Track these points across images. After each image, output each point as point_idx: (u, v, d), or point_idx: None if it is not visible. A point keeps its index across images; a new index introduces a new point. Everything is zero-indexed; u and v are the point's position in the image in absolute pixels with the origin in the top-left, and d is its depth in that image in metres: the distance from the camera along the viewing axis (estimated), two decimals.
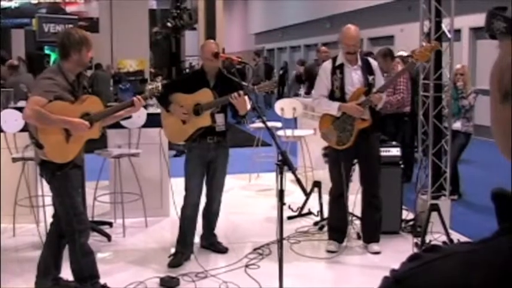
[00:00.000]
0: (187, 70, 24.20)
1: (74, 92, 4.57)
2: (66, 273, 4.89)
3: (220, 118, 5.57)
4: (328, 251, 6.00)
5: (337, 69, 5.83)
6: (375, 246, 5.97)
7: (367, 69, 5.84)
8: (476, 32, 14.97)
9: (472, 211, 7.66)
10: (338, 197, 5.93)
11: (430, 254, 0.88)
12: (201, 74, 5.65)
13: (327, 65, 5.96)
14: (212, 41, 6.05)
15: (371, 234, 6.06)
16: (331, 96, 5.83)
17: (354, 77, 5.80)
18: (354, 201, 6.08)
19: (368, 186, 5.96)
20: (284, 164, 3.98)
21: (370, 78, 5.79)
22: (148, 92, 5.08)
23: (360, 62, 5.86)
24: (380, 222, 6.04)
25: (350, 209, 6.14)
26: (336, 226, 6.10)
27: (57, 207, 4.69)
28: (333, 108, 5.79)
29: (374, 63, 6.04)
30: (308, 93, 9.40)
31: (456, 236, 6.17)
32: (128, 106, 4.88)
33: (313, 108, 7.95)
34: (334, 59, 5.94)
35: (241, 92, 5.24)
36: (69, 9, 22.15)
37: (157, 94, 5.19)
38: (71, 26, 17.25)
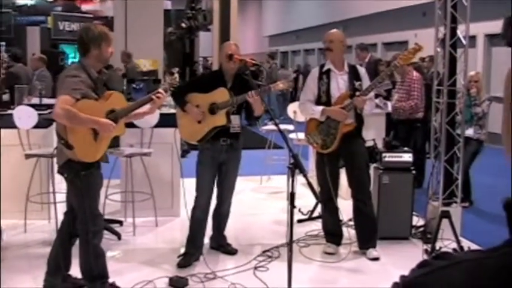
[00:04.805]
0: (200, 68, 24.20)
1: (96, 89, 4.52)
2: (75, 270, 4.90)
3: (235, 120, 5.57)
4: (327, 253, 6.03)
5: (324, 75, 5.88)
6: (373, 252, 5.95)
7: (354, 76, 5.87)
8: (491, 38, 14.90)
9: (483, 219, 7.63)
10: (327, 202, 5.95)
11: (439, 262, 0.88)
12: (219, 74, 5.66)
13: (315, 71, 6.03)
14: (232, 42, 6.06)
15: (364, 240, 6.03)
16: (318, 101, 5.87)
17: (340, 82, 5.84)
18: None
19: (355, 192, 5.98)
20: (296, 167, 3.98)
21: (357, 83, 5.82)
22: (168, 85, 5.07)
23: (346, 68, 5.90)
24: (374, 228, 6.03)
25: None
26: (329, 230, 6.14)
27: (75, 206, 4.63)
28: (317, 112, 5.82)
29: (362, 70, 6.11)
30: None
31: (467, 244, 6.14)
32: (149, 101, 4.83)
33: None
34: (322, 65, 5.99)
35: (257, 92, 5.26)
36: (84, 7, 22.26)
37: (176, 86, 5.19)
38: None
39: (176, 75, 5.18)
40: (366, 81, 5.90)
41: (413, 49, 5.83)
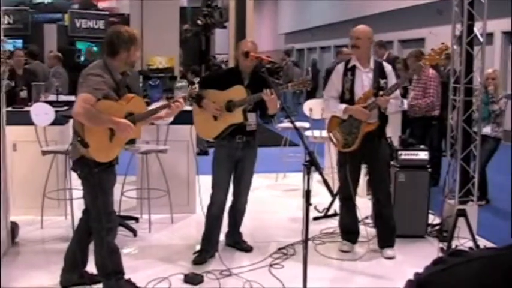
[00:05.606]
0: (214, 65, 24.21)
1: (118, 90, 4.54)
2: (90, 266, 4.93)
3: (251, 117, 5.57)
4: (342, 251, 6.03)
5: (349, 71, 5.81)
6: (388, 251, 5.93)
7: (379, 73, 5.78)
8: (508, 36, 14.79)
9: (500, 217, 7.58)
10: (346, 200, 5.94)
11: (454, 259, 0.88)
12: (236, 72, 5.65)
13: (340, 67, 5.95)
14: (249, 40, 6.05)
15: (383, 239, 6.02)
16: (342, 98, 5.81)
17: (364, 80, 5.77)
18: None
19: (376, 192, 5.95)
20: (311, 164, 3.97)
21: (382, 81, 5.74)
22: (188, 94, 5.09)
23: (372, 65, 5.81)
24: (393, 228, 6.00)
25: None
26: (346, 228, 6.12)
27: (88, 203, 4.66)
28: (339, 110, 5.77)
29: (388, 67, 5.95)
30: None
31: (483, 242, 6.11)
32: (166, 107, 4.85)
33: None
34: (348, 62, 5.93)
35: (273, 90, 5.25)
36: (100, 5, 22.34)
37: (195, 96, 5.22)
38: (101, 21, 17.45)
39: (196, 85, 5.18)
40: (391, 79, 5.81)
41: (439, 49, 5.75)
